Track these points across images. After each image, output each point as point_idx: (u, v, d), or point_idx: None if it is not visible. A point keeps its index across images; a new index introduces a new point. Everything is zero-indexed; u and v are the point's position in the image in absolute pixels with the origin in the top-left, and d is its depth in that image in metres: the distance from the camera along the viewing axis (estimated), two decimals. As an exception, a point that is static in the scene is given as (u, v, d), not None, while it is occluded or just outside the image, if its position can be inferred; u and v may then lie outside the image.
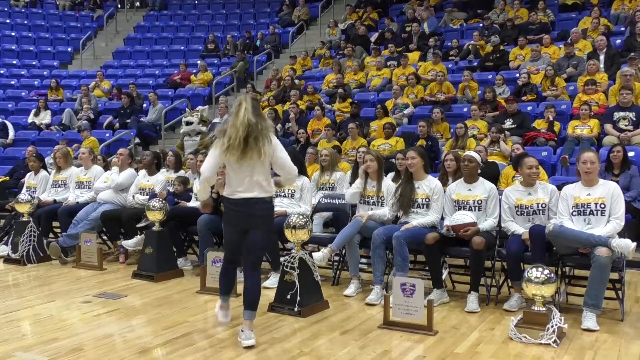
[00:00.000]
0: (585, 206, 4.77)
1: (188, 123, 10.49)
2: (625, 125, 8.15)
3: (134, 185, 7.12)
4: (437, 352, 3.97)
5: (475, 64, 12.08)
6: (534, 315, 4.18)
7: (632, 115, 8.14)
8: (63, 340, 4.18)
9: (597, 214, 4.72)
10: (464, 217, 5.04)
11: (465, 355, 3.93)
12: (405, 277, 4.65)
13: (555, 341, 4.05)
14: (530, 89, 10.08)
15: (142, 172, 7.24)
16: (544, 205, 5.00)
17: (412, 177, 5.45)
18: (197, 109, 11.04)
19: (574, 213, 4.81)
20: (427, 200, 5.37)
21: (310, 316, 4.71)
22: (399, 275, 4.88)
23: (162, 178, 7.15)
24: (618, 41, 11.11)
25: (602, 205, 4.71)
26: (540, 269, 4.19)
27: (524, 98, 9.96)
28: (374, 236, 5.21)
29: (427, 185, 5.39)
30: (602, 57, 10.14)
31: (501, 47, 12.01)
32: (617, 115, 8.25)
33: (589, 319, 4.47)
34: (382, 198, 5.58)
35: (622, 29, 11.77)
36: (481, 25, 13.55)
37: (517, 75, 10.63)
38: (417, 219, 5.29)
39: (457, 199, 5.26)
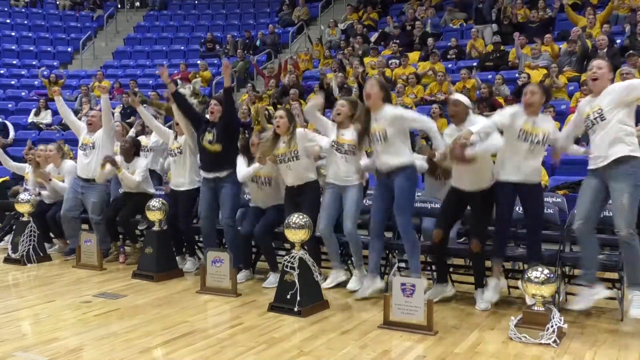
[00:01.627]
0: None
1: None
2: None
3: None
4: (437, 352, 3.97)
5: (475, 64, 12.08)
6: (534, 315, 4.17)
7: None
8: (63, 340, 4.18)
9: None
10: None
11: (465, 355, 3.93)
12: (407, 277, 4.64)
13: (555, 341, 4.05)
14: (530, 89, 10.07)
15: (119, 158, 6.89)
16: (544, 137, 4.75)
17: (369, 111, 5.09)
18: (193, 82, 10.84)
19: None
20: (384, 134, 4.97)
21: (310, 316, 4.71)
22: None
23: (143, 163, 6.90)
24: (618, 41, 11.11)
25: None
26: (540, 269, 4.19)
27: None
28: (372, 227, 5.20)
29: (383, 116, 4.97)
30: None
31: (501, 48, 12.00)
32: None
33: (636, 306, 4.29)
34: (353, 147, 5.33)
35: (621, 29, 11.77)
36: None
37: (517, 75, 10.63)
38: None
39: None
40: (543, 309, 4.18)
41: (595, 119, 4.34)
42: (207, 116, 6.12)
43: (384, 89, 5.10)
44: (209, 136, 5.93)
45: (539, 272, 4.16)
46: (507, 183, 4.76)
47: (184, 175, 6.29)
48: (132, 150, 6.88)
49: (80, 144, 6.99)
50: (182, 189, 6.31)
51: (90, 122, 6.95)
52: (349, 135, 5.34)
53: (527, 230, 4.93)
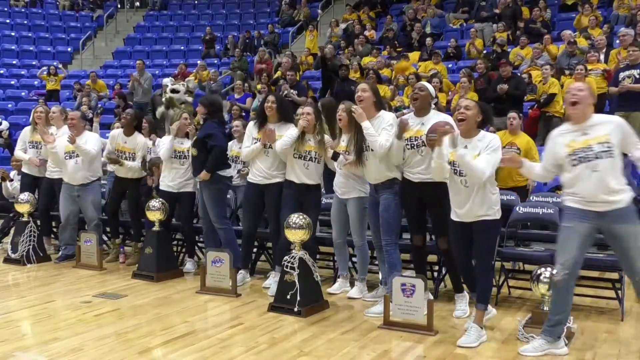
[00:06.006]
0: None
1: (174, 91, 10.15)
2: (629, 84, 7.94)
3: (109, 146, 6.78)
4: (437, 352, 3.97)
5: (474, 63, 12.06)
6: (543, 315, 4.16)
7: (636, 72, 7.86)
8: (63, 340, 4.18)
9: None
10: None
11: (465, 355, 3.93)
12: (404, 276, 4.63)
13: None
14: (531, 89, 10.06)
15: (118, 132, 6.78)
16: None
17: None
18: (186, 80, 10.89)
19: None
20: None
21: (310, 316, 4.71)
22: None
23: (142, 140, 6.74)
24: (618, 41, 11.09)
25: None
26: (549, 269, 4.17)
27: (524, 98, 9.93)
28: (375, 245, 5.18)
29: (379, 124, 4.81)
30: (601, 57, 10.11)
31: (505, 47, 11.99)
32: (622, 74, 8.03)
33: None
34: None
35: (623, 28, 11.77)
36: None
37: (518, 74, 10.60)
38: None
39: (408, 135, 4.66)
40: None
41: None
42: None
43: (377, 94, 4.94)
44: (192, 139, 6.04)
45: (548, 272, 4.14)
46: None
47: (189, 177, 6.33)
48: (134, 123, 6.70)
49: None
50: (183, 190, 6.34)
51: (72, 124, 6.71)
52: (314, 141, 5.41)
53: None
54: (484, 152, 4.06)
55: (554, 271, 3.93)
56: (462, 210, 4.17)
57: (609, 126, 3.79)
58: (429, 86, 4.85)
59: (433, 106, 4.85)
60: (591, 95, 3.87)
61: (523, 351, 3.90)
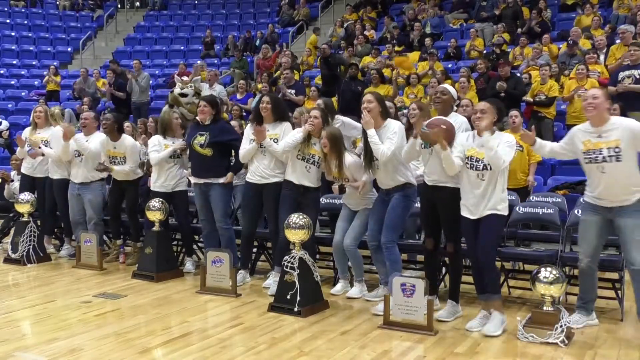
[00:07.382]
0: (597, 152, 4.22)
1: (183, 95, 10.15)
2: (629, 84, 7.81)
3: (102, 155, 6.73)
4: (437, 352, 3.97)
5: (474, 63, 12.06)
6: (543, 315, 4.17)
7: (636, 73, 7.76)
8: (63, 340, 4.18)
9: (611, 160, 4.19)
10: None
11: (465, 355, 3.93)
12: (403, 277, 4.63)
13: (563, 341, 4.04)
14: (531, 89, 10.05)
15: (106, 138, 6.67)
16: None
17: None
18: (192, 79, 10.85)
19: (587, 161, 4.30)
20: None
21: (310, 316, 4.71)
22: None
23: (130, 142, 6.66)
24: (618, 41, 11.07)
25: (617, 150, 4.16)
26: (549, 269, 4.18)
27: (522, 97, 9.92)
28: (369, 245, 5.15)
29: (385, 133, 4.83)
30: (602, 58, 10.10)
31: (504, 47, 11.98)
32: (622, 74, 7.94)
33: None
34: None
35: (623, 25, 11.77)
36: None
37: (518, 75, 10.59)
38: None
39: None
40: (552, 309, 4.17)
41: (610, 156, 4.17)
42: (197, 117, 6.09)
43: (383, 103, 4.94)
44: (200, 139, 5.88)
45: (547, 272, 4.15)
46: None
47: (182, 176, 6.34)
48: (115, 126, 6.61)
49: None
50: (177, 189, 6.35)
51: (84, 124, 6.88)
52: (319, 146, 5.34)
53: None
54: (501, 146, 4.29)
55: (579, 260, 4.46)
56: (475, 207, 4.34)
57: (620, 131, 4.16)
58: (451, 89, 4.87)
59: (455, 108, 4.91)
60: (607, 100, 4.25)
61: (571, 323, 4.23)
